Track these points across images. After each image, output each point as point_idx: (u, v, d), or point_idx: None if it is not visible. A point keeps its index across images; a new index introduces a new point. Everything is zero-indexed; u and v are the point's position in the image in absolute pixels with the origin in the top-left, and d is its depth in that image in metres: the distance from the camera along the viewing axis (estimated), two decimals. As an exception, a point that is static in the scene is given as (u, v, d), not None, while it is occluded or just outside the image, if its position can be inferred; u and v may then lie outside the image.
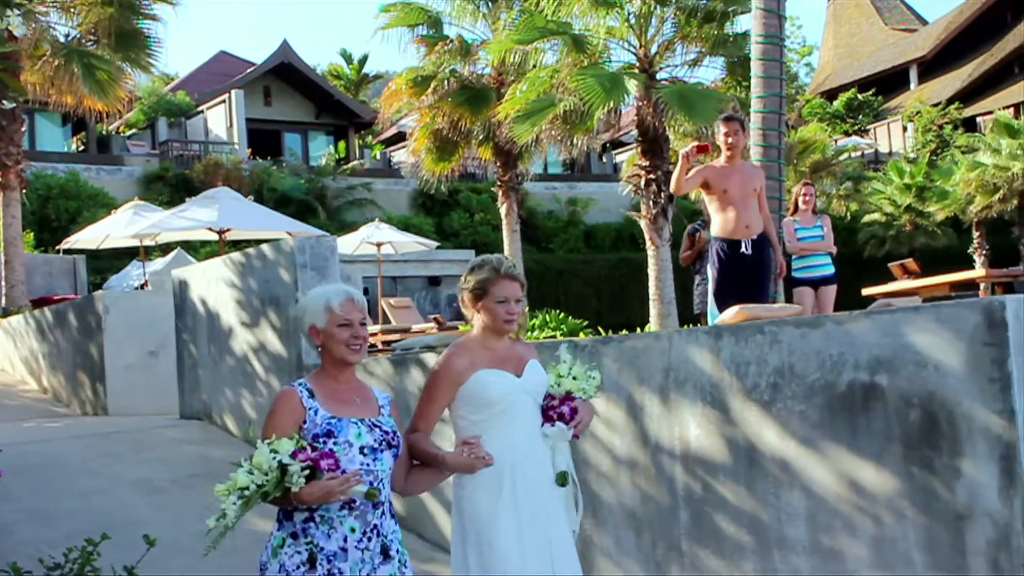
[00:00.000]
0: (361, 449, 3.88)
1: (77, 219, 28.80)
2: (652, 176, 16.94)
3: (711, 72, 17.35)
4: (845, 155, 40.32)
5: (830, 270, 10.12)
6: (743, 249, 7.87)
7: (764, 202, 8.08)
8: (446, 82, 22.25)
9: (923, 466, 4.47)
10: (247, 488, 3.69)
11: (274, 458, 3.69)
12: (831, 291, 10.07)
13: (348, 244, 22.21)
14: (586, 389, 4.44)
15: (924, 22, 59.08)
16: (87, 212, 29.40)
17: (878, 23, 59.39)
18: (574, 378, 4.44)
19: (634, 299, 29.21)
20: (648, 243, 17.13)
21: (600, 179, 42.79)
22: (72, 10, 19.64)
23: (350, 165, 39.18)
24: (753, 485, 5.18)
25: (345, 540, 3.84)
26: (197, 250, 25.80)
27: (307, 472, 3.69)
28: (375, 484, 3.88)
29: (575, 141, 18.23)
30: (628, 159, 17.70)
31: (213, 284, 10.24)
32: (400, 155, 40.58)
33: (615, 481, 5.93)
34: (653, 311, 16.93)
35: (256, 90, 41.34)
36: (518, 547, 4.18)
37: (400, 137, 37.26)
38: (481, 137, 22.73)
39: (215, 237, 18.15)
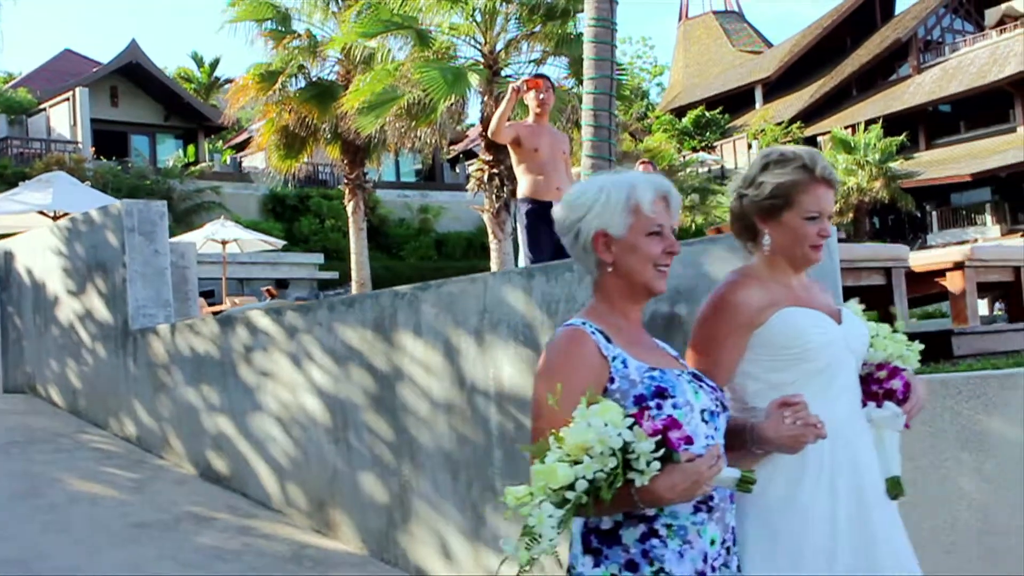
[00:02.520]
0: (701, 414, 2.61)
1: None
2: (495, 171, 17.13)
3: (556, 71, 17.46)
4: (691, 168, 41.31)
5: None
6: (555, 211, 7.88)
7: (570, 168, 8.18)
8: (294, 78, 22.14)
9: (719, 390, 4.63)
10: (572, 487, 2.34)
11: (614, 433, 2.35)
12: None
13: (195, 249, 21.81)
14: (907, 357, 3.18)
15: (769, 45, 60.98)
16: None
17: (726, 45, 61.08)
18: (889, 341, 3.21)
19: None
20: (491, 237, 17.31)
21: (452, 188, 42.93)
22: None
23: (198, 167, 38.52)
24: (563, 420, 5.28)
25: (704, 559, 2.57)
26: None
27: (659, 453, 2.36)
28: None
29: (419, 135, 18.31)
30: (477, 161, 17.87)
31: (39, 254, 10.01)
32: (251, 160, 40.14)
33: (432, 425, 5.99)
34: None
35: (102, 90, 40.33)
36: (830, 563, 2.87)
37: (251, 142, 36.83)
38: (329, 135, 22.63)
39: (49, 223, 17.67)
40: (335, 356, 6.67)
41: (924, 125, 46.70)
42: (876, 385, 3.07)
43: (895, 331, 3.21)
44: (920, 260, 7.09)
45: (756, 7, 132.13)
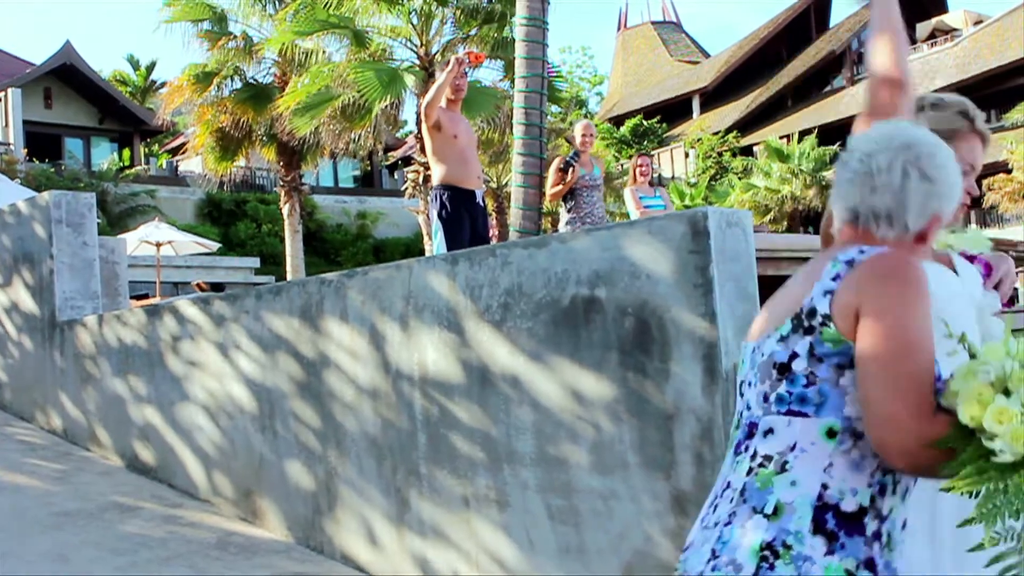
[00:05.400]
0: None
1: None
2: (430, 172, 17.16)
3: (493, 74, 17.60)
4: (628, 176, 41.59)
5: None
6: (477, 200, 8.01)
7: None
8: (230, 79, 22.07)
9: (637, 371, 4.71)
10: None
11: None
12: None
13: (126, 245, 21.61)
14: (980, 241, 3.04)
15: (707, 55, 61.64)
16: None
17: (664, 55, 61.66)
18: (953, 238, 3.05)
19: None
20: (427, 238, 17.37)
21: (391, 194, 42.91)
22: None
23: (133, 171, 38.17)
24: (486, 403, 5.35)
25: None
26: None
27: None
28: None
29: (354, 137, 18.33)
30: (415, 164, 17.94)
31: (-36, 247, 9.91)
32: (187, 164, 39.82)
33: (358, 411, 6.02)
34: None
35: (35, 91, 39.84)
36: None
37: (187, 146, 36.56)
38: (265, 137, 22.58)
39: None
40: (262, 344, 6.69)
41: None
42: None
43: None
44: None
45: (694, 18, 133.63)
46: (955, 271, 2.86)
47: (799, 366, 2.20)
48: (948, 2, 53.42)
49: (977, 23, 48.41)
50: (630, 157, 49.90)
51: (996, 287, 2.93)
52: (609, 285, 4.81)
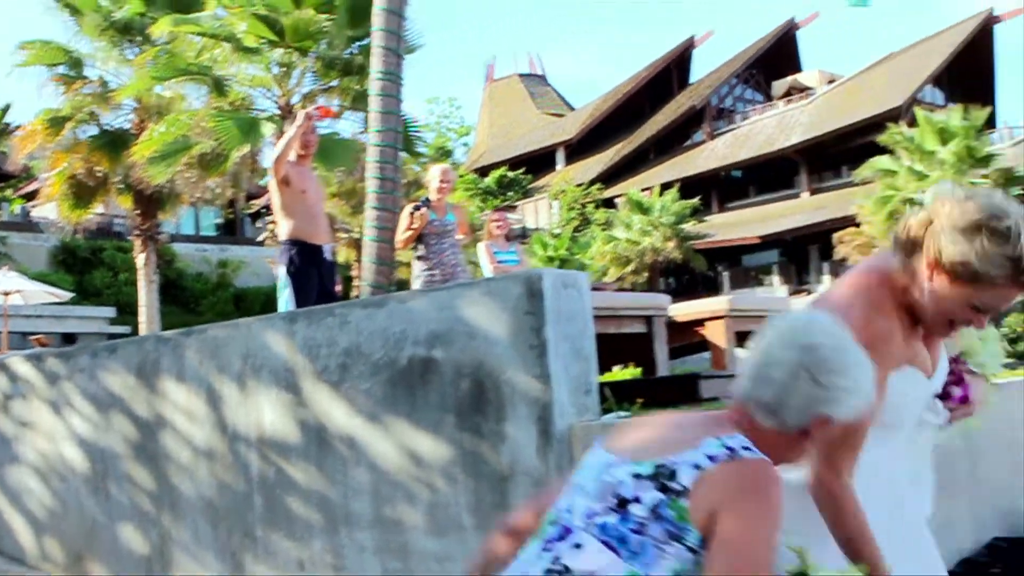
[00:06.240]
0: None
1: None
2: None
3: (353, 125, 17.56)
4: (493, 226, 41.82)
5: None
6: (325, 255, 7.94)
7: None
8: (85, 125, 21.56)
9: (473, 432, 4.70)
10: None
11: None
12: None
13: (-29, 294, 20.89)
14: (986, 364, 2.89)
15: (572, 108, 62.53)
16: None
17: (531, 107, 62.40)
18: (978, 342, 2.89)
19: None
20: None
21: (254, 243, 42.31)
22: None
23: (-17, 216, 37.03)
24: (323, 465, 5.27)
25: None
26: None
27: None
28: None
29: (211, 186, 18.08)
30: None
31: None
32: (41, 210, 38.73)
33: (194, 472, 5.88)
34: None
35: None
36: None
37: (41, 192, 35.58)
38: (121, 185, 22.09)
39: None
40: (97, 403, 6.49)
41: (717, 189, 48.67)
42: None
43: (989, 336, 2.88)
44: (682, 310, 7.38)
45: (560, 72, 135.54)
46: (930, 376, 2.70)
47: (637, 511, 2.21)
48: (802, 62, 55.30)
49: (830, 82, 50.18)
50: (496, 208, 50.30)
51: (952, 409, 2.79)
52: (446, 346, 4.79)
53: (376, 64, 10.03)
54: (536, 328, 4.50)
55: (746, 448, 2.23)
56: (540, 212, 50.85)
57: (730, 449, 2.23)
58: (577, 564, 2.22)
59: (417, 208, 9.20)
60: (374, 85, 10.07)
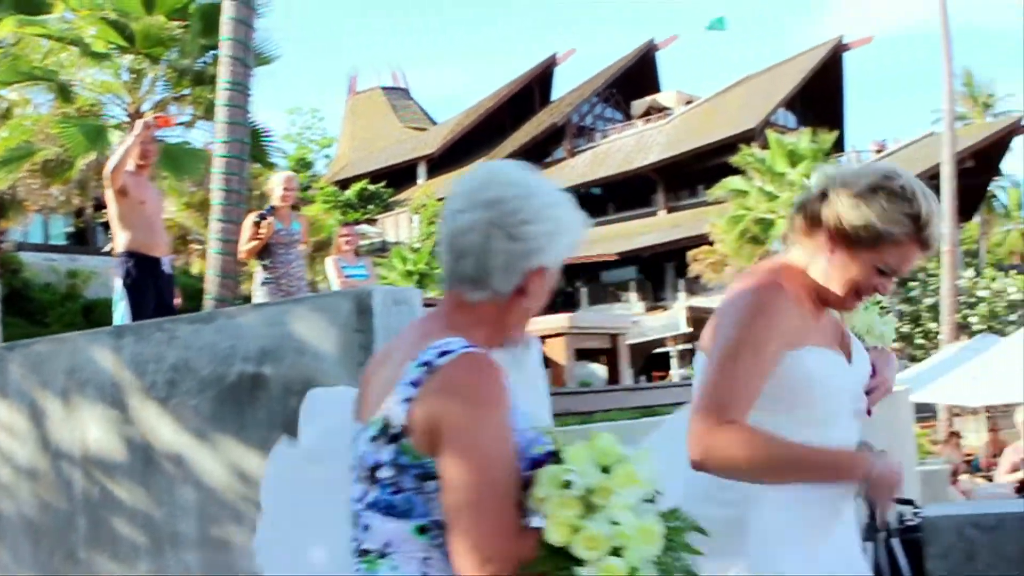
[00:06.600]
0: None
1: None
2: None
3: (206, 135, 17.22)
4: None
5: None
6: (163, 267, 7.79)
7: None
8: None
9: (301, 450, 4.65)
10: None
11: None
12: None
13: None
14: (884, 334, 2.95)
15: (434, 122, 62.52)
16: None
17: (393, 120, 62.18)
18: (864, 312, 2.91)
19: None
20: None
21: (106, 253, 41.18)
22: None
23: None
24: (149, 483, 5.16)
25: None
26: None
27: None
28: None
29: (55, 193, 17.59)
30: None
31: None
32: None
33: (15, 492, 5.69)
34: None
35: None
36: None
37: None
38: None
39: None
40: (-86, 420, 6.23)
41: (577, 205, 49.16)
42: None
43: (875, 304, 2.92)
44: (523, 328, 7.41)
45: (422, 86, 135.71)
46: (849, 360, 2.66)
47: (385, 474, 2.15)
48: (661, 82, 56.32)
49: (688, 103, 51.25)
50: (355, 221, 49.95)
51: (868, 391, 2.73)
52: (275, 362, 4.73)
53: (223, 73, 9.90)
54: (365, 345, 4.48)
55: (443, 353, 2.08)
56: (401, 226, 50.73)
57: (427, 364, 2.08)
58: (373, 543, 2.18)
59: (263, 217, 9.01)
60: (221, 95, 9.93)
